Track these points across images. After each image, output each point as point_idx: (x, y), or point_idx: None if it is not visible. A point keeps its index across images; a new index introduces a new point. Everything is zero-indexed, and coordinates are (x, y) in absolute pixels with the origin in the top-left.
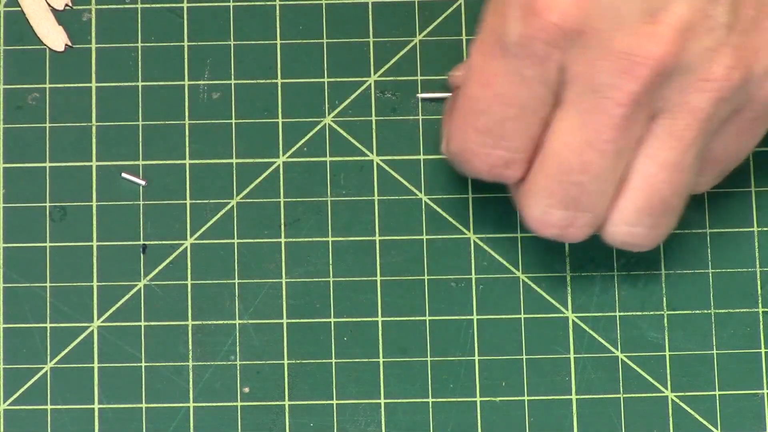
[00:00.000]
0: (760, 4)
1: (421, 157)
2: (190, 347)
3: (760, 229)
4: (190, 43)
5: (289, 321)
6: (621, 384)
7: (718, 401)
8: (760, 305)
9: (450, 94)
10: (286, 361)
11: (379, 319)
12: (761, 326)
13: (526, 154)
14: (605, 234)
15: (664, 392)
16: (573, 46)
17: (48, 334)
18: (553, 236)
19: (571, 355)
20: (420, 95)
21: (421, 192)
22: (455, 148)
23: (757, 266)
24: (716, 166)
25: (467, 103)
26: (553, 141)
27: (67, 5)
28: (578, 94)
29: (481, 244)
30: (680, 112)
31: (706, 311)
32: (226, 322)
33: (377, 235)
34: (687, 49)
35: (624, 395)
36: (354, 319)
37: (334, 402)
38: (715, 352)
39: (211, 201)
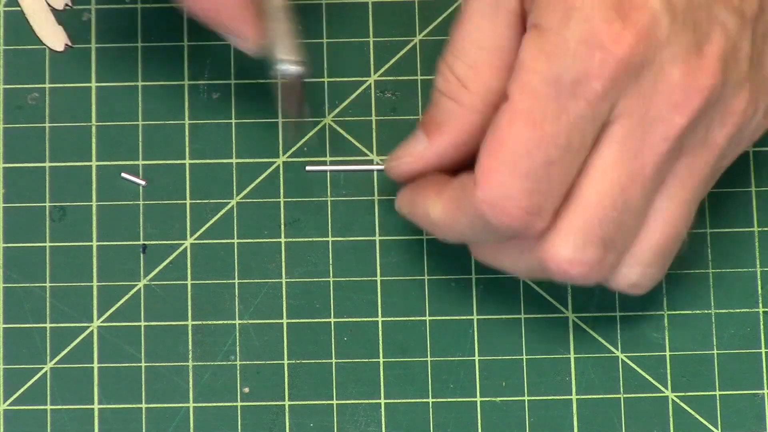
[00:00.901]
0: (765, 35)
1: None
2: (190, 347)
3: (760, 229)
4: (190, 43)
5: (289, 321)
6: (621, 384)
7: (718, 401)
8: (760, 305)
9: (334, 168)
10: (286, 361)
11: (379, 319)
12: (761, 326)
13: (559, 202)
14: (617, 276)
15: (664, 392)
16: (630, 82)
17: (48, 334)
18: (578, 276)
19: (571, 355)
20: (308, 168)
21: None
22: (488, 195)
23: (757, 266)
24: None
25: (509, 146)
26: (594, 178)
27: (67, 5)
28: (627, 129)
29: None
30: (701, 148)
31: (706, 311)
32: (226, 322)
33: (377, 235)
34: (725, 82)
35: (624, 395)
36: (354, 319)
37: (334, 402)
38: (715, 352)
39: (211, 201)
